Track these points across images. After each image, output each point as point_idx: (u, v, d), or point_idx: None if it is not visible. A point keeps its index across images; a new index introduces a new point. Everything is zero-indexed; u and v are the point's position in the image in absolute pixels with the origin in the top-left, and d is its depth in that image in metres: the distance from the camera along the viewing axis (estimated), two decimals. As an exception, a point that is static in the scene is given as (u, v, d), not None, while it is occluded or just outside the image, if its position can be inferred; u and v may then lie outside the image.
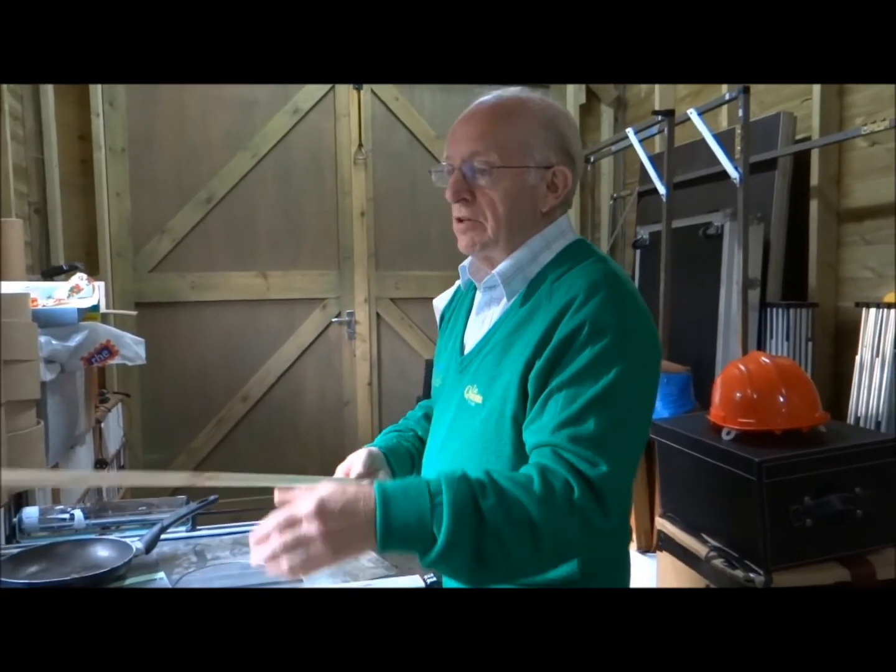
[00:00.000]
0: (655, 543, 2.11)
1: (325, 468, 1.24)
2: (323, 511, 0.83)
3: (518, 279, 1.10)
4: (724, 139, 2.70)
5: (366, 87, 3.61)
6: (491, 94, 1.10)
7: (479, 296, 1.20)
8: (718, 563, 1.75)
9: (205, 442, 3.56)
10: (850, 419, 2.29)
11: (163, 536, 1.34)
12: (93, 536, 1.36)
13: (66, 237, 3.22)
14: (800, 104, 2.74)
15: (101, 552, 1.27)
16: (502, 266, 1.11)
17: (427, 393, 1.37)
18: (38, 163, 3.10)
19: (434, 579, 1.18)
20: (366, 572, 1.23)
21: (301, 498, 0.85)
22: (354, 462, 1.20)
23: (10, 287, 1.96)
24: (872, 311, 2.25)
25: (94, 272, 3.11)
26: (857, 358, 2.29)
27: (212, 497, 1.44)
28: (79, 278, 2.18)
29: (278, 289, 3.62)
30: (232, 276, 3.56)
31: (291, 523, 0.83)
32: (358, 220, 3.70)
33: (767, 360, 1.87)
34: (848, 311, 2.53)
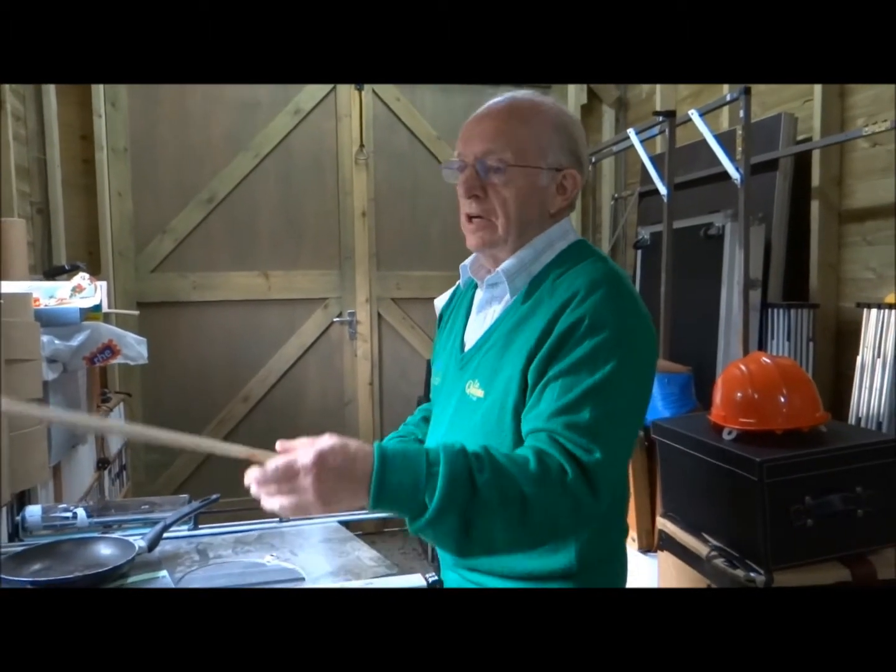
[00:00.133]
0: (656, 543, 2.11)
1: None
2: (321, 465, 0.86)
3: (521, 277, 1.12)
4: (726, 140, 2.69)
5: (367, 88, 3.61)
6: (503, 96, 1.12)
7: (479, 294, 1.21)
8: (719, 562, 1.75)
9: (206, 442, 3.56)
10: (851, 419, 2.28)
11: (165, 535, 1.34)
12: (95, 535, 1.36)
13: (68, 237, 3.23)
14: (801, 105, 2.74)
15: (104, 550, 1.28)
16: (507, 263, 1.12)
17: (428, 393, 1.38)
18: (41, 163, 3.10)
19: (435, 578, 1.18)
20: (367, 571, 1.23)
21: (302, 448, 0.88)
22: None
23: (12, 287, 1.97)
24: (873, 311, 2.24)
25: (96, 272, 3.12)
26: (858, 358, 2.28)
27: (213, 496, 1.45)
28: (81, 278, 2.18)
29: (279, 289, 3.62)
30: (233, 276, 3.56)
31: (289, 472, 0.86)
32: (359, 221, 3.70)
33: (768, 361, 1.87)
34: (849, 312, 2.52)
